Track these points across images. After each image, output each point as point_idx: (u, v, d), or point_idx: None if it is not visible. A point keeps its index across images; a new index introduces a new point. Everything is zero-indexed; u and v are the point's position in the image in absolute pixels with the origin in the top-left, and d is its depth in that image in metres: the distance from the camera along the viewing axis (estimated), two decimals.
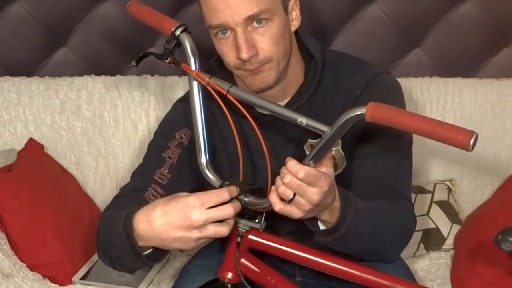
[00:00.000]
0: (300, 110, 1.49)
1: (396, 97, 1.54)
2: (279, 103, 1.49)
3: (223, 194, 1.26)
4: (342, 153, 1.53)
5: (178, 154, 1.56)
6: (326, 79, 1.53)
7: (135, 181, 1.57)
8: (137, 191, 1.52)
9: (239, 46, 1.37)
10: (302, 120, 1.25)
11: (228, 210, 1.25)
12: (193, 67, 1.41)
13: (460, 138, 1.04)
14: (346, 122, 1.16)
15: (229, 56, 1.42)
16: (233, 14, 1.35)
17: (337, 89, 1.52)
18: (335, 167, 1.48)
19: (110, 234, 1.38)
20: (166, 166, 1.55)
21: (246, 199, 1.29)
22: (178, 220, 1.24)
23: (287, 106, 1.51)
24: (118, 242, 1.34)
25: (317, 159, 1.21)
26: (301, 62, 1.54)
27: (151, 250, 1.34)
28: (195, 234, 1.24)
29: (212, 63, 1.58)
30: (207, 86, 1.38)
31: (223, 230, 1.26)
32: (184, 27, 1.44)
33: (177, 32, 1.43)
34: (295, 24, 1.48)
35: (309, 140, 1.52)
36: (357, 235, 1.37)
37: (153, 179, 1.53)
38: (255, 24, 1.37)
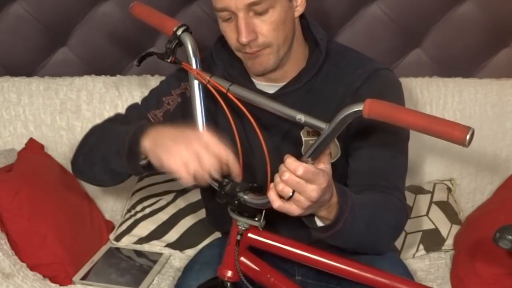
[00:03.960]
0: (296, 93, 1.53)
1: (396, 94, 1.56)
2: (277, 85, 1.55)
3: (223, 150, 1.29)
4: (337, 142, 1.54)
5: (178, 103, 1.60)
6: (328, 70, 1.55)
7: (130, 113, 1.63)
8: (130, 122, 1.56)
9: (239, 31, 1.41)
10: (301, 117, 1.25)
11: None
12: (194, 66, 1.44)
13: (456, 133, 1.05)
14: (344, 119, 1.16)
15: (231, 38, 1.47)
16: None
17: (337, 80, 1.54)
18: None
19: (108, 136, 1.48)
20: (162, 110, 1.60)
21: (246, 197, 1.29)
22: (179, 135, 1.32)
23: (284, 88, 1.55)
24: (117, 143, 1.42)
25: (315, 156, 1.21)
26: (304, 48, 1.57)
27: (146, 161, 1.39)
28: (183, 151, 1.28)
29: (216, 43, 1.62)
30: (208, 85, 1.40)
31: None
32: (185, 27, 1.47)
33: (179, 32, 1.46)
34: (299, 10, 1.50)
35: (306, 127, 1.53)
36: (353, 229, 1.38)
37: (146, 116, 1.59)
38: (256, 10, 1.40)
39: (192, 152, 1.28)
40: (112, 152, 1.45)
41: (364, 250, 1.50)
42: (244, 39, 1.41)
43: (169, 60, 1.45)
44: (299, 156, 1.22)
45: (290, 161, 1.19)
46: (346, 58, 1.58)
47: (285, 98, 1.51)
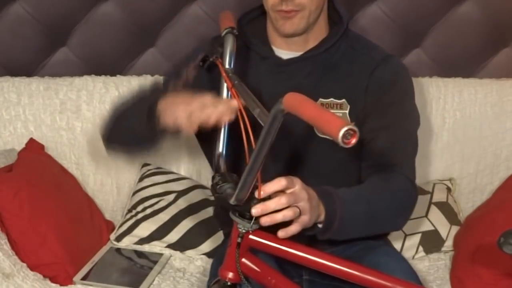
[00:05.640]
0: (313, 61, 1.63)
1: (408, 80, 1.69)
2: (297, 53, 1.64)
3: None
4: (349, 120, 1.60)
5: (194, 75, 1.63)
6: (345, 49, 1.66)
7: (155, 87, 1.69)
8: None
9: None
10: (258, 110, 1.26)
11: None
12: (226, 65, 1.49)
13: (332, 129, 1.00)
14: (275, 115, 1.13)
15: None
16: None
17: (353, 60, 1.65)
18: None
19: (134, 108, 1.56)
20: (181, 80, 1.63)
21: (229, 191, 1.30)
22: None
23: (305, 54, 1.64)
24: (141, 107, 1.49)
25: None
26: (326, 23, 1.67)
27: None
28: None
29: (256, 9, 1.71)
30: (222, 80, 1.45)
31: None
32: (230, 28, 1.53)
33: (223, 33, 1.52)
34: None
35: (320, 99, 1.61)
36: (354, 221, 1.45)
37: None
38: None
39: (196, 103, 1.34)
40: (137, 112, 1.52)
41: (376, 233, 1.61)
42: None
43: (211, 59, 1.51)
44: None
45: (268, 188, 1.27)
46: (361, 42, 1.70)
47: (303, 63, 1.62)
